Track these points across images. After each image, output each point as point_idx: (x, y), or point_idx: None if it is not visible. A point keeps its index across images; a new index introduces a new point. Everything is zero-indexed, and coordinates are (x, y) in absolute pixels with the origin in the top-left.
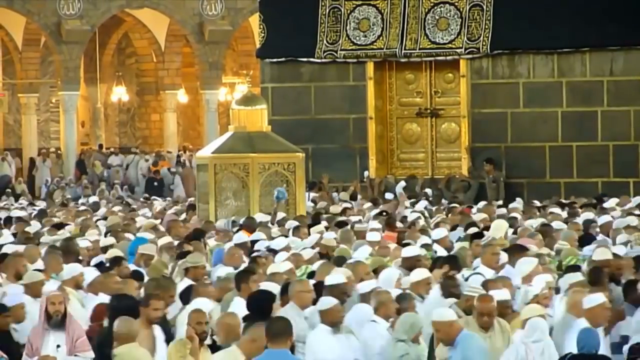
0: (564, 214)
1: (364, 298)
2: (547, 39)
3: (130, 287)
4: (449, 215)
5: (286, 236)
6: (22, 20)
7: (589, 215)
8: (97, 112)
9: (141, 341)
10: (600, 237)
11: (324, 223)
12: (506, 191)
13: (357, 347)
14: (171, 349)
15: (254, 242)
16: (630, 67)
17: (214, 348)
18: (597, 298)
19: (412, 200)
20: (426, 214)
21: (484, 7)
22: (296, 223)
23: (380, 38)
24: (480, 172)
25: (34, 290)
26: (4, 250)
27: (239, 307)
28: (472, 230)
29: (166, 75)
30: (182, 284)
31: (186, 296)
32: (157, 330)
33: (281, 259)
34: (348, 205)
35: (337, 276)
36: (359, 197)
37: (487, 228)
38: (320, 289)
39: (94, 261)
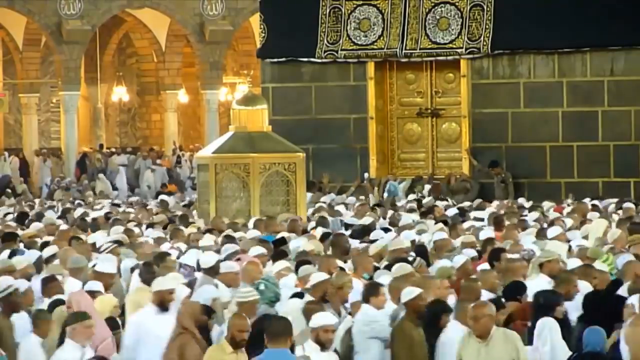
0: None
1: None
2: (547, 39)
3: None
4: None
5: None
6: (22, 20)
7: None
8: (98, 112)
9: None
10: None
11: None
12: (508, 191)
13: None
14: (208, 353)
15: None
16: (631, 67)
17: None
18: None
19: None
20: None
21: (485, 7)
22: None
23: (381, 38)
24: (488, 172)
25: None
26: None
27: None
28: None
29: (167, 75)
30: (538, 279)
31: None
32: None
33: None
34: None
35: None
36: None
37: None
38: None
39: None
